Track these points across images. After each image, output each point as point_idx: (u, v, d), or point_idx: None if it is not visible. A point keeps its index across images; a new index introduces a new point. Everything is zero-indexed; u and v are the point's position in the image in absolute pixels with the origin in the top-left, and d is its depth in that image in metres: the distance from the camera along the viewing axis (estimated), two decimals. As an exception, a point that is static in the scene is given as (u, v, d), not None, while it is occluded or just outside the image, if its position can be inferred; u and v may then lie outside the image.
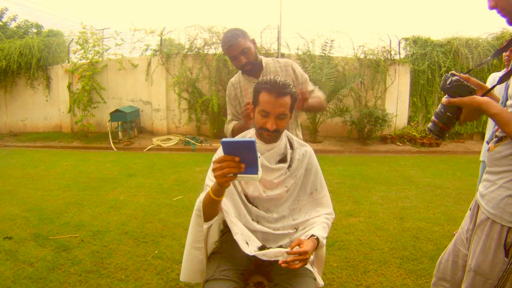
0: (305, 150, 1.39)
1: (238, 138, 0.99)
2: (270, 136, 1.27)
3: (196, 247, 1.27)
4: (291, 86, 1.23)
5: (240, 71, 1.77)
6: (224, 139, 0.95)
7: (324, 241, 1.25)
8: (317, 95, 1.77)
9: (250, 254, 1.19)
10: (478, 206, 1.13)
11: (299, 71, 1.79)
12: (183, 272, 1.32)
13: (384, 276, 2.08)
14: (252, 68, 1.68)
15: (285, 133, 1.41)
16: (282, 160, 1.34)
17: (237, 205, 1.32)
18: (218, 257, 1.27)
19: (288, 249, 1.14)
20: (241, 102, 1.77)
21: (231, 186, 1.33)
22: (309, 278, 1.21)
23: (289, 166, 1.34)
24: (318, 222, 1.31)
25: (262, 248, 1.23)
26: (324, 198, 1.38)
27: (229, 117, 1.84)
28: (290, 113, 1.27)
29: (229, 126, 1.78)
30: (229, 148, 0.95)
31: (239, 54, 1.61)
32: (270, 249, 1.20)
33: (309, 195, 1.38)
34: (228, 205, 1.28)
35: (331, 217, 1.36)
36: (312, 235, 1.21)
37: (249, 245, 1.22)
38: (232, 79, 1.79)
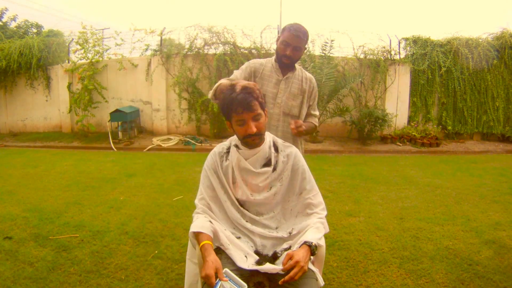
0: (289, 151, 1.43)
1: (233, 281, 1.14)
2: (255, 140, 1.33)
3: (193, 262, 1.37)
4: (253, 93, 1.28)
5: (270, 58, 1.90)
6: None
7: (321, 242, 1.26)
8: (312, 121, 1.96)
9: (248, 268, 1.23)
10: None
11: (316, 92, 1.95)
12: (186, 282, 1.39)
13: (384, 276, 2.08)
14: (289, 64, 1.81)
15: (270, 136, 1.47)
16: (267, 164, 1.39)
17: (230, 211, 1.39)
18: (218, 258, 1.27)
19: (282, 267, 1.18)
20: (253, 80, 1.85)
21: (222, 192, 1.40)
22: (311, 279, 1.21)
23: (274, 169, 1.38)
24: (311, 224, 1.33)
25: (259, 262, 1.28)
26: (315, 197, 1.40)
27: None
28: (263, 111, 1.33)
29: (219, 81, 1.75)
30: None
31: (294, 47, 1.74)
32: (267, 264, 1.24)
33: (298, 196, 1.40)
34: (220, 231, 1.33)
35: (323, 215, 1.37)
36: (305, 242, 1.23)
37: (247, 259, 1.28)
38: (261, 60, 1.90)
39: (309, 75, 1.91)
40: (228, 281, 1.12)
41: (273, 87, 1.84)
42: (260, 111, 1.30)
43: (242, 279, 1.19)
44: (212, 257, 1.16)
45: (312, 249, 1.21)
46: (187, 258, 1.47)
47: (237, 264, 1.24)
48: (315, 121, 1.98)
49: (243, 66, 1.88)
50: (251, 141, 1.32)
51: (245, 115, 1.27)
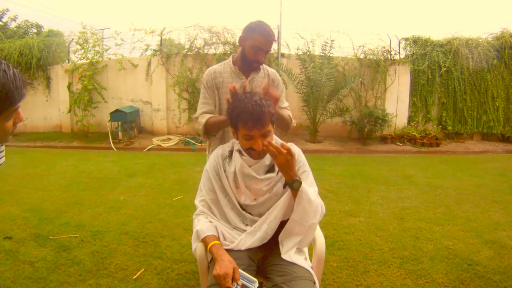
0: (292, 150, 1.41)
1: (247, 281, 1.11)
2: (259, 154, 1.31)
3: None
4: (267, 111, 1.24)
5: (226, 62, 1.73)
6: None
7: (311, 194, 1.26)
8: (288, 113, 1.77)
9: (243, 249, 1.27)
10: None
11: (280, 85, 1.80)
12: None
13: (384, 276, 2.08)
14: (258, 67, 1.69)
15: (274, 138, 1.44)
16: (270, 170, 1.38)
17: (229, 216, 1.38)
18: None
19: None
20: (220, 94, 1.68)
21: (223, 196, 1.39)
22: (309, 281, 1.21)
23: (278, 173, 1.37)
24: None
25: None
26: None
27: (200, 110, 1.69)
28: (273, 126, 1.30)
29: (201, 120, 1.63)
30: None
31: (266, 51, 1.62)
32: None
33: None
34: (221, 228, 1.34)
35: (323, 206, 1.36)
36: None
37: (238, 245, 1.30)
38: (216, 67, 1.71)
39: (272, 70, 1.78)
40: (241, 280, 1.12)
41: None
42: (269, 127, 1.26)
43: None
44: (228, 257, 1.16)
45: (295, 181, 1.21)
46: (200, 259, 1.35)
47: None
48: (288, 112, 1.78)
49: (203, 89, 1.69)
50: (255, 154, 1.30)
51: (254, 132, 1.23)
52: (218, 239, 1.27)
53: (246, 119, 1.22)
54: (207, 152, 1.90)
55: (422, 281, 2.02)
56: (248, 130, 1.23)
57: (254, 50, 1.58)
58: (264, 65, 1.77)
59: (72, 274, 2.07)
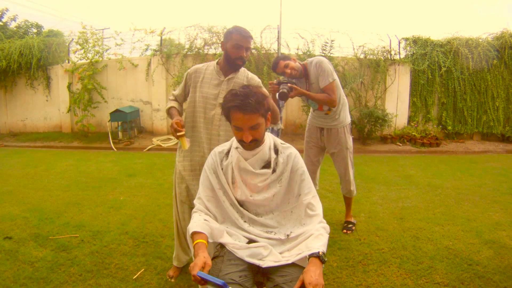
0: (289, 152, 1.42)
1: (212, 278, 1.09)
2: (250, 145, 1.33)
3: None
4: (256, 101, 1.26)
5: (210, 63, 1.94)
6: (200, 273, 1.08)
7: (325, 249, 1.24)
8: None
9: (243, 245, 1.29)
10: None
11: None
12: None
13: (384, 276, 2.08)
14: (242, 65, 1.88)
15: (271, 137, 1.45)
16: (266, 166, 1.39)
17: (228, 212, 1.39)
18: (220, 261, 1.28)
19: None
20: (196, 87, 1.90)
21: (221, 193, 1.40)
22: None
23: (274, 171, 1.38)
24: (313, 231, 1.30)
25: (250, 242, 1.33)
26: (313, 199, 1.38)
27: (173, 95, 2.00)
28: (265, 120, 1.33)
29: (167, 104, 1.98)
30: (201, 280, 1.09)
31: (246, 48, 1.81)
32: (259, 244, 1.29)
33: (297, 197, 1.39)
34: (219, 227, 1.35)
35: (323, 222, 1.35)
36: (312, 255, 1.20)
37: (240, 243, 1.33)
38: (199, 65, 1.93)
39: (251, 74, 1.93)
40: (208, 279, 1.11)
41: (214, 89, 1.86)
42: (259, 120, 1.29)
43: (245, 280, 1.19)
44: (205, 254, 1.17)
45: (321, 258, 1.19)
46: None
47: (233, 242, 1.32)
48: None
49: (185, 78, 1.95)
50: (246, 145, 1.33)
51: (242, 124, 1.27)
52: (207, 237, 1.26)
53: (238, 104, 1.26)
54: (177, 153, 2.01)
55: (422, 281, 2.02)
56: (237, 116, 1.27)
57: (236, 48, 1.79)
58: (246, 70, 1.94)
59: (72, 274, 2.07)
